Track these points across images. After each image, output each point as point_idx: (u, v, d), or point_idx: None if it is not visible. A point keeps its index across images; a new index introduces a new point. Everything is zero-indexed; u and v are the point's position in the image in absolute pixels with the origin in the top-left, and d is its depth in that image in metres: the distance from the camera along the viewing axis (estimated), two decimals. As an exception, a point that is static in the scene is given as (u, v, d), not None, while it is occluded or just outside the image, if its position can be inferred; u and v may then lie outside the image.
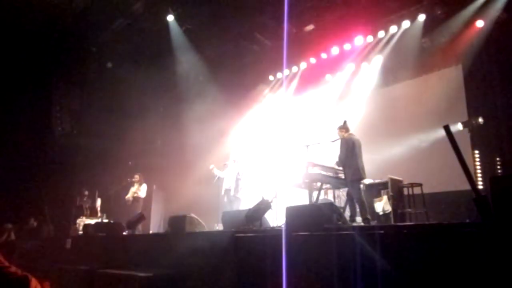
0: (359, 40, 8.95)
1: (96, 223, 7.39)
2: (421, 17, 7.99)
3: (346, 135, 6.13)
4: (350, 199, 6.12)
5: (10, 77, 8.14)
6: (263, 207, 5.26)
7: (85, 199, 9.21)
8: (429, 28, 7.99)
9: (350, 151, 5.92)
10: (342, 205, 7.07)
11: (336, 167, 6.80)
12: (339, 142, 6.33)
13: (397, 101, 9.06)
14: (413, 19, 8.10)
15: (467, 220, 2.81)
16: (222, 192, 7.60)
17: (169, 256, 4.66)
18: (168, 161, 9.93)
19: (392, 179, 6.26)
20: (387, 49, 8.76)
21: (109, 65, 9.52)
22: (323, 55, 9.80)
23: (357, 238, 3.02)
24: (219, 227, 6.01)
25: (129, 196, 8.82)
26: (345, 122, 6.29)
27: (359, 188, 5.95)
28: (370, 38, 8.84)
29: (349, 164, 5.92)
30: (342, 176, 6.76)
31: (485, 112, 7.24)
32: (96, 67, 9.30)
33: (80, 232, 7.88)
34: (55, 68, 8.65)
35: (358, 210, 6.05)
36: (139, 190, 8.82)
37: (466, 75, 8.04)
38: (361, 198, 5.84)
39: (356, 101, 9.73)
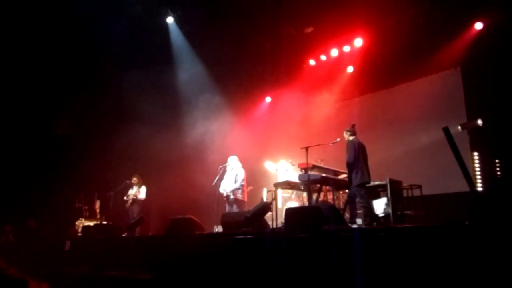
0: (358, 42, 8.97)
1: (95, 225, 7.36)
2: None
3: (351, 138, 6.13)
4: (350, 201, 6.11)
5: (10, 79, 8.14)
6: (262, 209, 5.26)
7: (84, 201, 9.19)
8: (428, 30, 8.00)
9: (357, 154, 5.92)
10: (341, 206, 7.08)
11: (336, 168, 6.81)
12: (338, 144, 6.34)
13: (396, 103, 9.08)
14: (412, 21, 8.11)
15: (466, 222, 2.81)
16: (224, 196, 7.58)
17: (169, 258, 4.65)
18: (168, 162, 9.91)
19: (391, 181, 6.25)
20: (387, 51, 8.76)
21: (109, 67, 9.51)
22: (323, 57, 9.83)
23: (356, 240, 3.02)
24: (219, 229, 6.00)
25: (128, 198, 8.81)
26: (353, 125, 6.29)
27: (365, 192, 5.92)
28: (369, 40, 8.86)
29: (357, 167, 5.89)
30: (341, 177, 6.77)
31: (484, 114, 7.25)
32: (95, 69, 9.29)
33: (79, 234, 7.86)
34: (55, 69, 8.64)
35: (359, 212, 6.05)
36: (139, 192, 8.81)
37: (465, 77, 8.06)
38: (366, 202, 5.83)
39: (355, 103, 9.75)
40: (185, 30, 9.15)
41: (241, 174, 7.55)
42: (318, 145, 6.32)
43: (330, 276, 3.03)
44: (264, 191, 8.50)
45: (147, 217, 9.13)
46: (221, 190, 7.51)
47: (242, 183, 7.51)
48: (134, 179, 8.88)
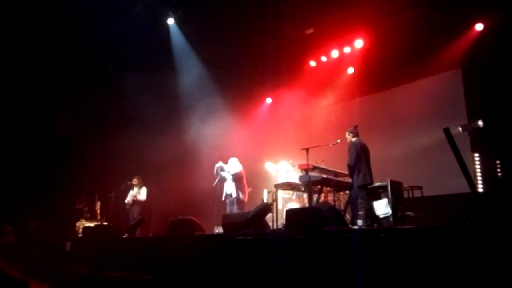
0: (359, 43, 8.97)
1: (96, 226, 7.38)
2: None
3: (354, 139, 6.12)
4: (351, 202, 6.11)
5: (10, 80, 8.15)
6: (263, 210, 5.25)
7: (84, 202, 9.19)
8: (428, 31, 8.00)
9: (359, 156, 5.90)
10: (342, 207, 7.07)
11: (336, 169, 6.80)
12: (339, 145, 6.34)
13: (397, 104, 9.07)
14: (413, 22, 8.11)
15: (467, 223, 2.80)
16: (223, 197, 7.57)
17: (169, 259, 4.65)
18: (168, 163, 9.91)
19: (392, 182, 6.24)
20: (387, 52, 8.76)
21: (109, 68, 9.53)
22: (323, 58, 9.82)
23: (357, 241, 3.02)
24: (219, 230, 6.00)
25: (128, 199, 8.80)
26: (355, 126, 6.28)
27: (367, 194, 5.91)
28: (369, 41, 8.85)
29: (359, 168, 5.88)
30: (341, 178, 6.77)
31: (485, 115, 7.25)
32: (96, 70, 9.30)
33: (80, 235, 7.86)
34: (55, 70, 8.66)
35: (360, 213, 6.04)
36: (139, 193, 8.80)
37: (466, 78, 8.06)
38: (367, 203, 5.82)
39: (356, 104, 9.74)
40: (186, 31, 9.16)
41: (239, 173, 7.49)
42: (319, 146, 6.31)
43: (330, 277, 3.02)
44: (265, 192, 8.50)
45: (148, 218, 9.13)
46: (226, 190, 7.55)
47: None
48: (135, 180, 8.88)
